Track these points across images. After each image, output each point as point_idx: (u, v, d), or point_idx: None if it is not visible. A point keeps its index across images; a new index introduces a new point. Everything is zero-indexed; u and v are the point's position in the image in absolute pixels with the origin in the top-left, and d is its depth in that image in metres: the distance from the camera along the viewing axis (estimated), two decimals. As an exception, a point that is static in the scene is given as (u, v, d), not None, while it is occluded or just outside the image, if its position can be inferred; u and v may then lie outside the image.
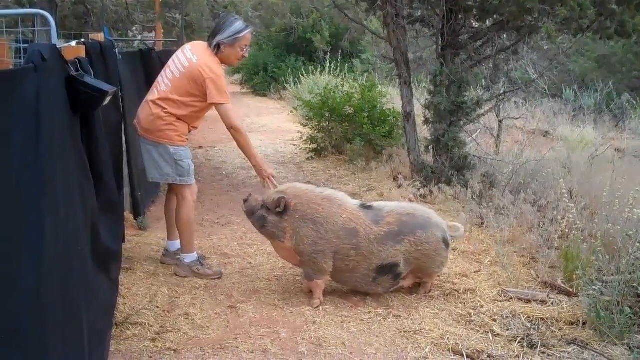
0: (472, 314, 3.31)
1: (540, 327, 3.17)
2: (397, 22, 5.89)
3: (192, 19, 13.82)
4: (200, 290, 3.59)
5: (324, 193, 3.45)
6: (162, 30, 13.62)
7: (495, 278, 3.80)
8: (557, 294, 3.57)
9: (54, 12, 9.68)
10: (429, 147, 6.13)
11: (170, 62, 3.73)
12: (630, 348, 2.93)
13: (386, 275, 3.41)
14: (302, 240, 3.32)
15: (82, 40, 3.89)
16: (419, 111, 6.46)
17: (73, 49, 3.12)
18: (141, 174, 4.57)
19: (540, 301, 3.46)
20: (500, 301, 3.48)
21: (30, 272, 1.69)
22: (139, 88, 5.03)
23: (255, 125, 10.80)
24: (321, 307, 3.37)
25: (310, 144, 7.85)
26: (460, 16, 5.72)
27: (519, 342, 3.00)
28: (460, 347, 2.94)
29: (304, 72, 12.65)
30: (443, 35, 5.74)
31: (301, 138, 8.03)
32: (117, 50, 4.30)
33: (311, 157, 7.80)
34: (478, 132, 7.47)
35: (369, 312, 3.32)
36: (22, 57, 4.52)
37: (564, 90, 12.59)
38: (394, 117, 7.34)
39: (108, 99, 2.40)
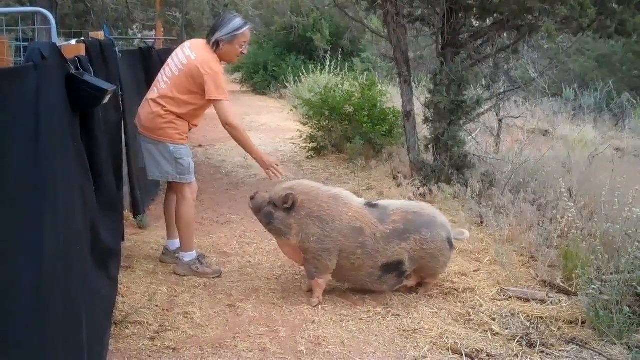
0: (471, 313, 3.32)
1: (540, 326, 3.17)
2: (397, 20, 5.88)
3: (193, 17, 13.80)
4: (200, 289, 3.59)
5: (330, 191, 3.46)
6: (162, 29, 13.63)
7: (495, 277, 3.80)
8: (556, 293, 3.57)
9: (54, 10, 9.67)
10: (429, 146, 6.13)
11: (169, 60, 3.73)
12: (629, 347, 2.93)
13: (391, 273, 3.42)
14: (308, 238, 3.33)
15: (82, 38, 3.90)
16: (418, 110, 6.46)
17: (73, 47, 3.12)
18: (141, 173, 4.57)
19: (540, 300, 3.46)
20: (500, 300, 3.48)
21: (30, 271, 1.69)
22: (138, 87, 5.03)
23: (255, 123, 10.81)
24: (320, 306, 3.37)
25: (310, 143, 7.85)
26: (460, 15, 5.71)
27: (518, 341, 3.00)
28: (459, 346, 2.94)
29: (304, 71, 12.65)
30: (443, 34, 5.74)
31: (301, 137, 8.03)
32: (117, 49, 4.30)
33: (311, 155, 7.80)
34: (478, 131, 7.46)
35: (368, 311, 3.33)
36: (22, 56, 4.52)
37: (564, 90, 12.58)
38: (393, 116, 7.35)
39: (108, 98, 2.40)
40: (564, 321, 3.22)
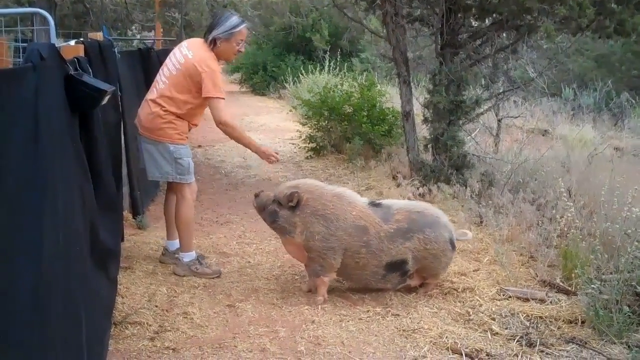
0: (471, 313, 3.32)
1: (539, 325, 3.17)
2: (396, 21, 5.88)
3: (192, 18, 13.79)
4: (199, 289, 3.59)
5: (334, 190, 3.48)
6: (161, 30, 13.61)
7: (494, 277, 3.80)
8: (556, 292, 3.57)
9: (53, 11, 9.67)
10: (428, 146, 6.13)
11: (167, 61, 3.74)
12: (628, 346, 2.93)
13: (395, 272, 3.44)
14: (313, 236, 3.34)
15: (81, 39, 3.89)
16: (418, 110, 6.47)
17: (72, 48, 3.12)
18: (140, 173, 4.57)
19: (539, 300, 3.46)
20: (499, 300, 3.49)
21: (30, 271, 1.69)
22: (137, 87, 5.03)
23: (254, 124, 10.81)
24: (320, 306, 3.37)
25: (309, 143, 7.85)
26: (459, 15, 5.71)
27: (517, 341, 3.00)
28: (458, 345, 2.94)
29: (303, 71, 12.66)
30: (442, 34, 5.74)
31: (300, 137, 8.03)
32: (116, 50, 4.30)
33: (310, 156, 7.80)
34: (477, 131, 7.47)
35: (368, 311, 3.33)
36: (21, 56, 4.51)
37: (563, 89, 12.59)
38: (393, 116, 7.35)
39: (107, 98, 2.40)
40: (563, 321, 3.22)
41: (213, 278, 3.76)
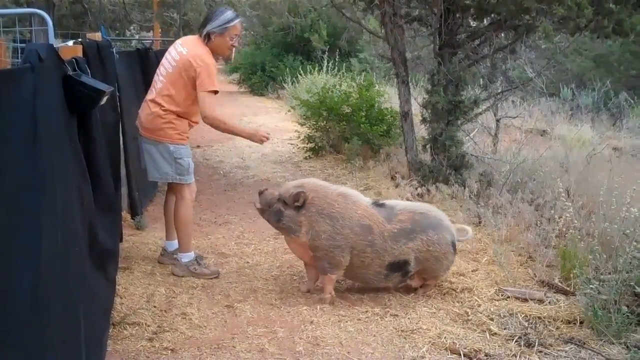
0: (470, 313, 3.32)
1: (538, 326, 3.18)
2: (394, 21, 5.89)
3: (190, 18, 13.81)
4: (198, 290, 3.59)
5: (338, 189, 3.50)
6: (160, 30, 13.61)
7: (493, 277, 3.81)
8: (555, 292, 3.57)
9: (51, 11, 9.66)
10: (427, 146, 6.13)
11: (163, 60, 3.75)
12: (627, 347, 2.94)
13: (397, 272, 3.45)
14: (319, 235, 3.34)
15: (80, 39, 3.89)
16: (416, 110, 6.46)
17: (70, 48, 3.11)
18: (138, 174, 4.56)
19: (538, 300, 3.46)
20: (498, 300, 3.49)
21: (28, 271, 1.69)
22: (136, 87, 5.03)
23: (252, 124, 10.78)
24: (319, 307, 3.37)
25: (307, 143, 7.85)
26: (457, 15, 5.72)
27: (516, 341, 3.00)
28: (457, 346, 2.94)
29: (301, 72, 12.64)
30: (440, 35, 5.75)
31: (299, 137, 8.03)
32: (114, 50, 4.29)
33: (309, 156, 7.79)
34: (475, 131, 7.48)
35: (366, 312, 3.33)
36: (20, 57, 4.51)
37: (561, 89, 12.60)
38: (391, 116, 7.35)
39: (105, 99, 2.40)
40: (562, 321, 3.23)
41: (211, 278, 3.76)
